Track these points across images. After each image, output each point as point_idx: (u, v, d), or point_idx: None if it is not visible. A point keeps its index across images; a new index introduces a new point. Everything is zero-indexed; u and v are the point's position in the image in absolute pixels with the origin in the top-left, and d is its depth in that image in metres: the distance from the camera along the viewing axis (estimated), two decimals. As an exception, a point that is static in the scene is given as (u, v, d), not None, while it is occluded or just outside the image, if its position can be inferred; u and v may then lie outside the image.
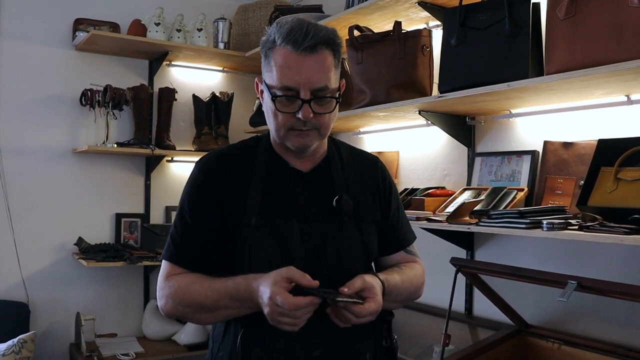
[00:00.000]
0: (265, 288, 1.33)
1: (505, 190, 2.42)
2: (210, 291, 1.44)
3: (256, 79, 1.56)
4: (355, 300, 1.36)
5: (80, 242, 3.59)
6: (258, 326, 1.46)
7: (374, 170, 1.67)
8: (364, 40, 2.76)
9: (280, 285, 1.32)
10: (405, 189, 2.96)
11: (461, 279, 2.21)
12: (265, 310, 1.33)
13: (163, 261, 1.55)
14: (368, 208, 1.60)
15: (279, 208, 1.50)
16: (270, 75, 1.45)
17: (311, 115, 1.43)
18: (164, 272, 1.53)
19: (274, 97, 1.43)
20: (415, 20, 2.87)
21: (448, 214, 2.40)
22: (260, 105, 3.72)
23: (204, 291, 1.44)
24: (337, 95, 1.48)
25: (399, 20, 2.71)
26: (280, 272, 1.35)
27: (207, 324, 1.55)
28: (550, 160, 2.36)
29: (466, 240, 2.70)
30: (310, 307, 1.33)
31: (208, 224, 1.51)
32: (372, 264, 1.66)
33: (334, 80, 1.47)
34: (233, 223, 1.49)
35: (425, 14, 2.71)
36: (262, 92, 1.53)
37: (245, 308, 1.42)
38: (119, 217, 3.81)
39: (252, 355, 1.47)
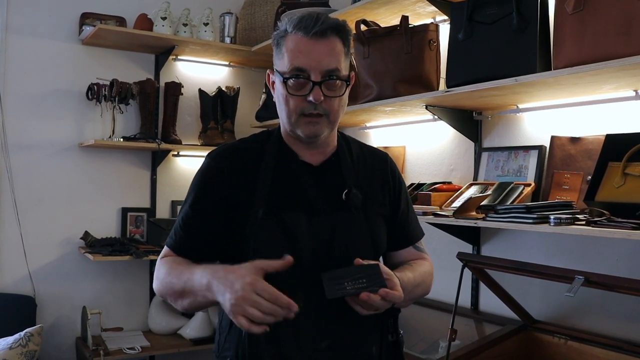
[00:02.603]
0: (243, 272, 1.31)
1: (512, 185, 2.42)
2: (185, 271, 1.45)
3: (268, 71, 1.59)
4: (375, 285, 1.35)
5: (86, 236, 3.60)
6: None
7: (383, 166, 1.68)
8: (371, 35, 2.76)
9: (259, 274, 1.31)
10: (412, 184, 2.96)
11: (467, 274, 2.21)
12: (231, 296, 1.28)
13: (164, 247, 1.60)
14: (377, 202, 1.61)
15: (288, 201, 1.51)
16: (282, 62, 1.48)
17: (322, 97, 1.44)
18: (161, 254, 1.58)
19: (285, 79, 1.45)
20: (422, 14, 2.86)
21: (455, 208, 2.40)
22: (266, 100, 3.71)
23: (180, 272, 1.46)
24: (347, 79, 1.50)
25: (406, 14, 2.70)
26: (253, 263, 1.34)
27: (187, 311, 1.55)
28: (557, 155, 2.36)
29: (473, 235, 2.70)
30: (283, 310, 1.28)
31: (210, 217, 1.52)
32: (381, 258, 1.66)
33: (344, 66, 1.49)
34: (240, 215, 1.49)
35: (433, 8, 2.70)
36: (273, 83, 1.56)
37: (201, 296, 1.39)
38: (125, 211, 3.81)
39: (259, 346, 1.47)
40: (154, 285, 1.55)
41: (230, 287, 1.29)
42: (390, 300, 1.35)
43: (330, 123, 1.51)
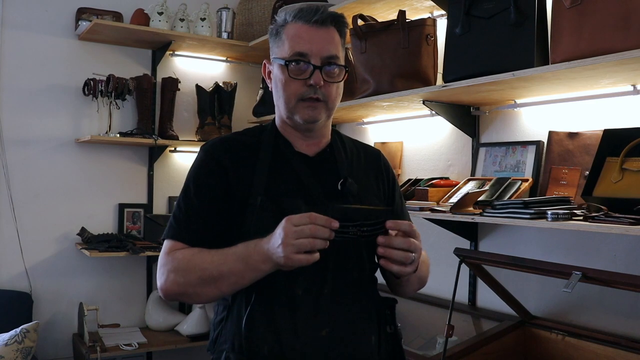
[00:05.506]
0: (281, 223, 1.34)
1: (509, 180, 2.41)
2: (215, 255, 1.42)
3: (264, 61, 1.63)
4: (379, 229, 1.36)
5: (83, 232, 3.59)
6: (264, 307, 1.45)
7: (377, 161, 1.72)
8: (368, 30, 2.74)
9: None
10: (409, 180, 2.95)
11: (465, 269, 2.20)
12: (278, 243, 1.30)
13: (165, 241, 1.52)
14: (372, 192, 1.63)
15: (285, 190, 1.52)
16: (282, 49, 1.53)
17: (322, 82, 1.49)
18: (165, 249, 1.50)
19: (286, 63, 1.49)
20: (420, 9, 2.85)
21: (452, 204, 2.39)
22: (263, 95, 3.70)
23: (209, 257, 1.42)
24: (345, 66, 1.55)
25: (403, 9, 2.69)
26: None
27: (208, 301, 1.52)
28: (555, 151, 2.35)
29: (470, 231, 2.69)
30: (326, 230, 1.30)
31: (213, 202, 1.52)
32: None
33: (341, 56, 1.55)
34: (239, 203, 1.50)
35: (430, 3, 2.69)
36: (269, 72, 1.60)
37: (249, 270, 1.38)
38: (121, 207, 3.80)
39: (258, 336, 1.45)
40: (163, 282, 1.46)
41: (274, 238, 1.33)
42: (404, 244, 1.37)
43: (328, 110, 1.54)
